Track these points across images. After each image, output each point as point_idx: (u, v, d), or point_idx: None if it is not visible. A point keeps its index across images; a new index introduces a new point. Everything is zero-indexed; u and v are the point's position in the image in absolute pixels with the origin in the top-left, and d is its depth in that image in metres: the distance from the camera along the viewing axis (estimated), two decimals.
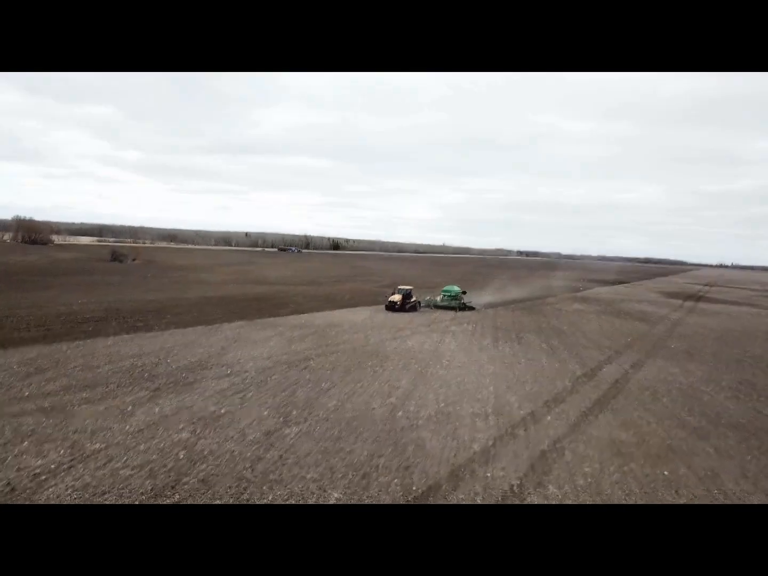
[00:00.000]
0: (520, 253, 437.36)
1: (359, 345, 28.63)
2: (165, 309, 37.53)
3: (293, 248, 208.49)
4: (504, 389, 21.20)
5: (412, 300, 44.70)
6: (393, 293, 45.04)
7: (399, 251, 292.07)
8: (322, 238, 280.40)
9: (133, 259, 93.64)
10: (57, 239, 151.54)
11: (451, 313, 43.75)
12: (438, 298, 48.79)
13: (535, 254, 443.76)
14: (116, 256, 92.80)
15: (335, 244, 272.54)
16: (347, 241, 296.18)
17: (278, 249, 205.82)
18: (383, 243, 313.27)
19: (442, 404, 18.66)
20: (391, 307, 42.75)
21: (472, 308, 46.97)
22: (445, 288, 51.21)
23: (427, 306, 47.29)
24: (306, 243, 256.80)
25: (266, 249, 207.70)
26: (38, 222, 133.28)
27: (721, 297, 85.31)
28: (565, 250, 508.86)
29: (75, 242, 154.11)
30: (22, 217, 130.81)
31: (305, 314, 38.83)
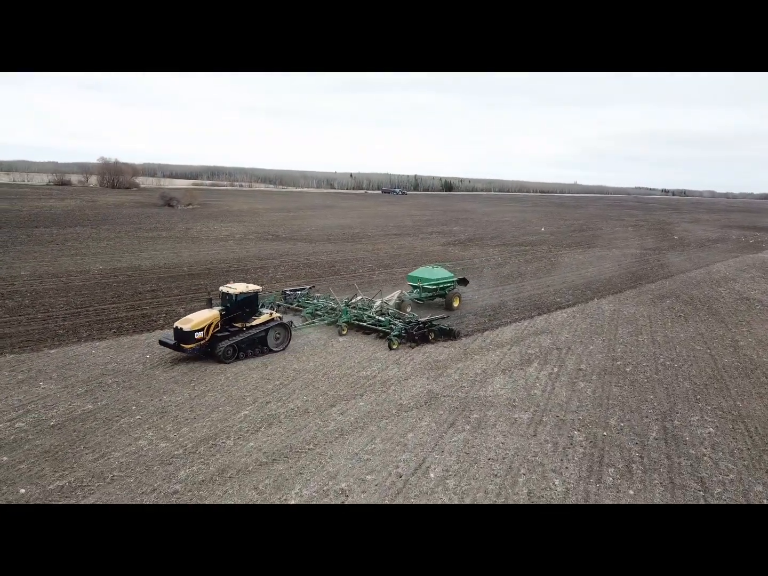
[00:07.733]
0: (665, 191, 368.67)
1: None
2: None
3: (397, 189, 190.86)
4: None
5: (263, 323, 17.52)
6: (209, 304, 17.76)
7: (520, 191, 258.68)
8: (433, 178, 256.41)
9: (188, 204, 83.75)
10: (152, 182, 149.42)
11: (516, 352, 18.35)
12: (377, 303, 21.37)
13: (683, 193, 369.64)
14: (166, 201, 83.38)
15: (448, 185, 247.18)
16: (461, 180, 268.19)
17: (382, 191, 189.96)
18: (503, 182, 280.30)
19: None
20: (175, 345, 16.44)
21: (450, 333, 19.77)
22: (412, 273, 24.78)
23: (335, 324, 20.21)
24: (415, 184, 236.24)
25: (368, 191, 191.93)
26: (121, 165, 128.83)
27: None
28: (720, 188, 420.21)
29: (166, 185, 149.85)
30: (107, 160, 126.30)
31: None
